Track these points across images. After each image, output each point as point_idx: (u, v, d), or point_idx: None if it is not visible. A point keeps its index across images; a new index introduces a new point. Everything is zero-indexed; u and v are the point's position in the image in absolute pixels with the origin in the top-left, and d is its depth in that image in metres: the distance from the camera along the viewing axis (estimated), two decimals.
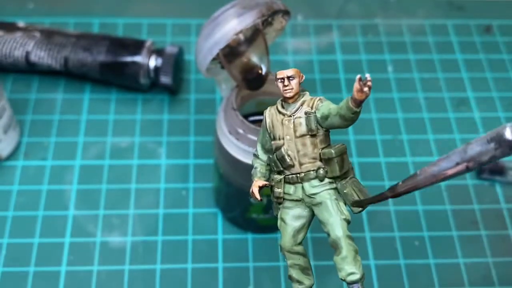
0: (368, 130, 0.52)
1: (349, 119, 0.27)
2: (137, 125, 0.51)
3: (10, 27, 0.53)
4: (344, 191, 0.28)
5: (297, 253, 0.30)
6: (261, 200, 0.30)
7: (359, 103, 0.26)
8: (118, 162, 0.49)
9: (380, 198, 0.28)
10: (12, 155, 0.49)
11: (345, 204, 0.29)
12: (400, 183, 0.27)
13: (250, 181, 0.31)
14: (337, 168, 0.28)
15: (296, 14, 0.60)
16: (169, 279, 0.43)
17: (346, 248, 0.28)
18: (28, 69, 0.53)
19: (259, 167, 0.30)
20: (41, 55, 0.51)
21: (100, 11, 0.59)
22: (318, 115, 0.28)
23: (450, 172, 0.25)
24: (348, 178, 0.29)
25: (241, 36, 0.38)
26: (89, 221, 0.46)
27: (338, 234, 0.28)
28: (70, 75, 0.53)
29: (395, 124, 0.52)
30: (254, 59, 0.39)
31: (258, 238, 0.45)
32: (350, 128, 0.52)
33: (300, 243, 0.30)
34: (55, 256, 0.44)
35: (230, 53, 0.39)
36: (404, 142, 0.51)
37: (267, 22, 0.40)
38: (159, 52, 0.51)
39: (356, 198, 0.28)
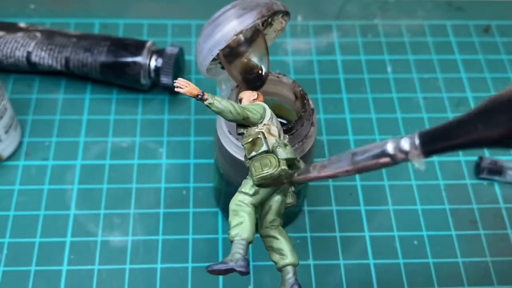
0: (367, 130, 0.52)
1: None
2: (137, 125, 0.51)
3: (11, 28, 0.53)
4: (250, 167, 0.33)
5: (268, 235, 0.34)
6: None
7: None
8: (119, 162, 0.49)
9: (278, 182, 0.32)
10: (13, 155, 0.49)
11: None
12: (296, 175, 0.32)
13: None
14: (246, 152, 0.34)
15: (296, 15, 0.60)
16: (169, 278, 0.43)
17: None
18: (29, 70, 0.53)
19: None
20: (42, 56, 0.52)
21: (101, 12, 0.59)
22: None
23: (339, 174, 0.29)
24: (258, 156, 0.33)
25: (241, 37, 0.39)
26: (90, 221, 0.46)
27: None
28: (71, 75, 0.54)
29: (394, 124, 0.53)
30: (254, 59, 0.39)
31: (258, 237, 0.45)
32: (349, 128, 0.52)
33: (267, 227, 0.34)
34: (56, 256, 0.44)
35: (230, 54, 0.39)
36: None
37: (267, 22, 0.40)
38: (159, 53, 0.51)
39: (256, 174, 0.32)
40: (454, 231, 0.46)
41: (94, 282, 0.43)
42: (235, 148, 0.40)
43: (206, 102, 0.33)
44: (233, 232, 0.31)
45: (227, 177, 0.43)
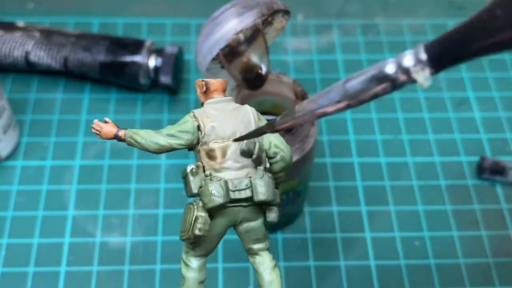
0: (368, 130, 0.52)
1: None
2: (137, 125, 0.51)
3: (10, 27, 0.53)
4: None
5: None
6: None
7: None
8: (118, 162, 0.49)
9: (259, 132, 0.28)
10: (12, 155, 0.49)
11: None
12: (278, 119, 0.26)
13: None
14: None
15: (296, 14, 0.60)
16: (169, 279, 0.43)
17: None
18: (27, 69, 0.53)
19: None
20: (40, 55, 0.51)
21: (100, 11, 0.59)
22: None
23: (329, 109, 0.23)
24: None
25: (241, 36, 0.38)
26: (89, 221, 0.46)
27: None
28: (70, 75, 0.53)
29: (395, 124, 0.52)
30: (254, 59, 0.39)
31: None
32: (350, 128, 0.52)
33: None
34: (55, 256, 0.44)
35: (230, 53, 0.39)
36: (404, 142, 0.51)
37: (267, 21, 0.40)
38: (159, 52, 0.51)
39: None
40: (456, 232, 0.46)
41: (93, 283, 0.43)
42: None
43: (126, 140, 0.29)
44: None
45: None
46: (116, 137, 0.29)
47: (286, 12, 0.39)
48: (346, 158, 0.50)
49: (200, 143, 0.29)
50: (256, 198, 0.28)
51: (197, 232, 0.28)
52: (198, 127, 0.29)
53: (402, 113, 0.53)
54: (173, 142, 0.28)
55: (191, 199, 0.29)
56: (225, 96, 0.30)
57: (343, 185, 0.48)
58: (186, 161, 0.49)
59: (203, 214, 0.28)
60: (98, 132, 0.29)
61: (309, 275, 0.44)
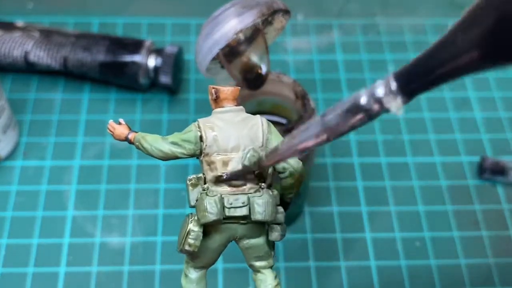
0: (368, 130, 0.52)
1: None
2: (136, 125, 0.51)
3: (9, 27, 0.53)
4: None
5: None
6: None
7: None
8: (118, 162, 0.49)
9: (246, 170, 0.27)
10: (11, 155, 0.49)
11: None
12: (264, 158, 0.27)
13: None
14: None
15: (296, 14, 0.60)
16: (168, 280, 0.43)
17: None
18: (27, 69, 0.53)
19: None
20: (40, 55, 0.51)
21: (99, 11, 0.59)
22: None
23: (310, 143, 0.24)
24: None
25: (241, 36, 0.38)
26: (88, 222, 0.45)
27: None
28: (70, 75, 0.53)
29: (396, 124, 0.52)
30: (254, 58, 0.39)
31: None
32: None
33: None
34: (54, 257, 0.44)
35: (230, 53, 0.39)
36: (405, 142, 0.51)
37: (267, 21, 0.40)
38: (158, 52, 0.51)
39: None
40: (456, 232, 0.46)
41: (92, 284, 0.42)
42: None
43: (134, 143, 0.29)
44: None
45: None
46: (127, 140, 0.29)
47: (286, 12, 0.39)
48: (346, 158, 0.50)
49: (203, 154, 0.28)
50: (253, 217, 0.27)
51: (187, 247, 0.27)
52: (201, 138, 0.28)
53: (403, 113, 0.53)
54: (176, 150, 0.28)
55: (192, 210, 0.29)
56: (236, 105, 0.29)
57: (343, 185, 0.48)
58: (185, 162, 0.49)
59: (196, 229, 0.27)
60: (111, 133, 0.29)
61: (309, 276, 0.43)
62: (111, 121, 0.29)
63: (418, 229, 0.46)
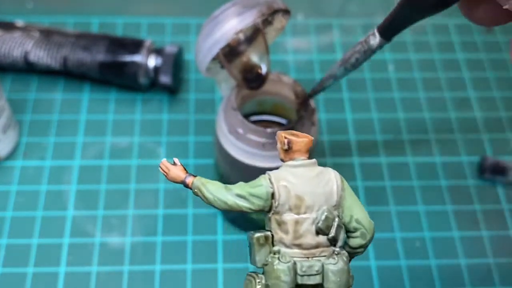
0: (368, 130, 0.52)
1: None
2: (136, 125, 0.51)
3: (9, 27, 0.53)
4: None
5: None
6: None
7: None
8: (117, 162, 0.49)
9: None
10: (11, 155, 0.49)
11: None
12: (312, 91, 0.38)
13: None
14: None
15: (296, 13, 0.60)
16: (168, 280, 0.43)
17: None
18: (27, 69, 0.53)
19: None
20: (40, 55, 0.51)
21: (99, 11, 0.59)
22: None
23: (334, 70, 0.36)
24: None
25: (241, 36, 0.38)
26: (88, 222, 0.45)
27: None
28: (69, 74, 0.53)
29: (396, 124, 0.52)
30: (254, 58, 0.39)
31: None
32: (350, 128, 0.52)
33: None
34: (54, 257, 0.44)
35: (230, 53, 0.39)
36: (405, 142, 0.51)
37: (267, 21, 0.39)
38: (158, 52, 0.51)
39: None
40: (456, 232, 0.46)
41: (92, 284, 0.42)
42: (235, 148, 0.39)
43: (192, 190, 0.27)
44: None
45: (227, 178, 0.42)
46: (184, 184, 0.27)
47: (286, 12, 0.39)
48: (346, 158, 0.50)
49: (272, 212, 0.26)
50: (326, 286, 0.26)
51: None
52: (273, 195, 0.26)
53: (403, 113, 0.53)
54: (242, 204, 0.26)
55: (256, 268, 0.27)
56: (308, 158, 0.27)
57: None
58: (186, 161, 0.49)
59: None
60: (164, 174, 0.27)
61: None
62: (164, 160, 0.27)
63: (418, 229, 0.46)
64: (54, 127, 0.51)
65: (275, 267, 0.25)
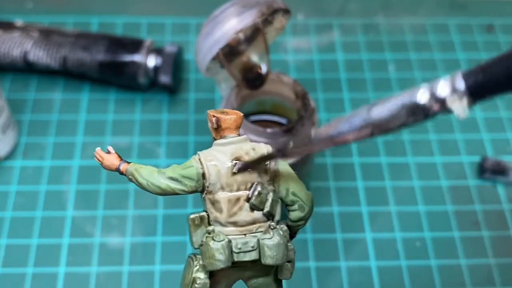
0: None
1: None
2: (136, 125, 0.51)
3: (8, 27, 0.52)
4: None
5: None
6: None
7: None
8: None
9: (267, 158, 0.25)
10: (11, 155, 0.49)
11: None
12: (291, 145, 0.24)
13: None
14: None
15: (296, 13, 0.60)
16: (168, 280, 0.43)
17: None
18: (26, 69, 0.53)
19: None
20: (39, 55, 0.51)
21: (99, 10, 0.59)
22: None
23: (350, 137, 0.21)
24: None
25: (241, 35, 0.38)
26: (88, 222, 0.45)
27: None
28: (69, 74, 0.53)
29: None
30: (254, 58, 0.39)
31: None
32: None
33: None
34: (54, 257, 0.43)
35: (230, 52, 0.39)
36: (405, 142, 0.51)
37: (267, 21, 0.39)
38: (158, 52, 0.51)
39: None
40: (457, 232, 0.46)
41: (92, 284, 0.42)
42: None
43: (127, 176, 0.27)
44: None
45: None
46: (118, 171, 0.27)
47: (286, 11, 0.39)
48: (347, 158, 0.50)
49: (206, 192, 0.26)
50: (263, 261, 0.26)
51: None
52: (203, 175, 0.26)
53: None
54: (176, 187, 0.26)
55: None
56: (238, 135, 0.27)
57: (344, 186, 0.48)
58: (185, 160, 0.49)
59: (202, 276, 0.26)
60: (99, 162, 0.27)
61: (309, 276, 0.43)
62: (98, 149, 0.27)
63: (418, 229, 0.46)
64: (54, 127, 0.50)
65: (209, 245, 0.25)
